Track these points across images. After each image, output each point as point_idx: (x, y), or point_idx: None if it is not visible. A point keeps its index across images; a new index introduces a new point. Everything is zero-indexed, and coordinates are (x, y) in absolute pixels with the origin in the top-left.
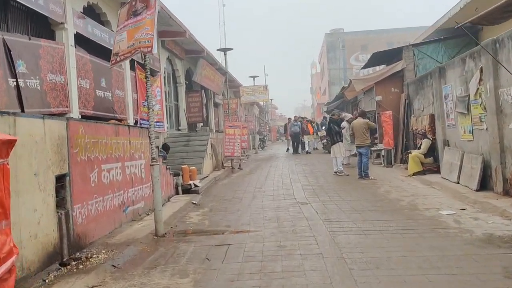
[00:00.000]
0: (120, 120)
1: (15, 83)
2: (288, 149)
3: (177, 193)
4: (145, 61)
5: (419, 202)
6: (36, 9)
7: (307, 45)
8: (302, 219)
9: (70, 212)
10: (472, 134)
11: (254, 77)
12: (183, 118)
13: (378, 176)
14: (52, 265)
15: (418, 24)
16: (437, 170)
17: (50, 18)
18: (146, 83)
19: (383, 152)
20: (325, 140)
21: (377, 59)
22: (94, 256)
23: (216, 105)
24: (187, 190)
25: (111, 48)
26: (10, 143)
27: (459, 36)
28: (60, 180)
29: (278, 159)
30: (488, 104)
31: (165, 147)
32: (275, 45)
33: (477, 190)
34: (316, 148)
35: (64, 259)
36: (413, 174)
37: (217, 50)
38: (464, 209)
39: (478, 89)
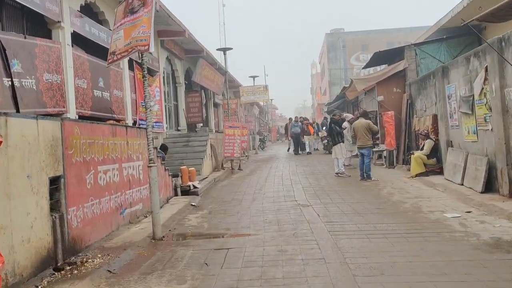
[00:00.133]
0: (118, 121)
1: (10, 82)
2: (288, 149)
3: (176, 194)
4: (142, 59)
5: (423, 204)
6: (32, 8)
7: (307, 45)
8: (303, 222)
9: (64, 215)
10: (477, 135)
11: (254, 77)
12: (182, 118)
13: (380, 178)
14: (46, 270)
15: (418, 24)
16: (440, 171)
17: (46, 17)
18: (144, 82)
19: (385, 153)
20: (326, 141)
21: (379, 58)
22: (90, 260)
23: (215, 105)
24: (186, 192)
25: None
26: None
27: (462, 36)
28: (54, 182)
29: (278, 160)
30: (493, 104)
31: (164, 148)
32: (275, 45)
33: (482, 192)
34: (317, 149)
35: (59, 264)
36: (416, 176)
37: (217, 49)
38: (469, 212)
39: (483, 88)
